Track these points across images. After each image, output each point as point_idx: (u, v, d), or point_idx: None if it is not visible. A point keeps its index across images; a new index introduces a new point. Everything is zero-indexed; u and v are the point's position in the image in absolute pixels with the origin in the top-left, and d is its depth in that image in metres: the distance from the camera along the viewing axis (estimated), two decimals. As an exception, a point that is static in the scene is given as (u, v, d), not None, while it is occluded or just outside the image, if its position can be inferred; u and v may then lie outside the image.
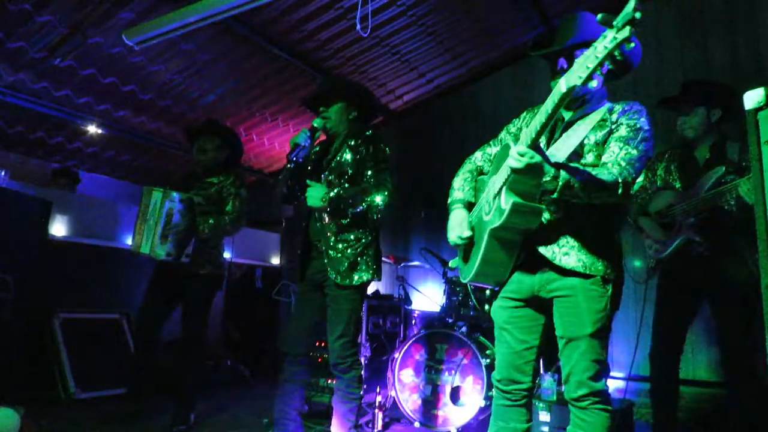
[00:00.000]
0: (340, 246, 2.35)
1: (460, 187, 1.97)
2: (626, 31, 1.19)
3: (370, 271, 2.39)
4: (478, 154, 2.03)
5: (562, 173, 1.49)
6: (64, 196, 4.23)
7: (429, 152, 5.30)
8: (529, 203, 1.55)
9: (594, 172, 1.54)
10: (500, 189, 1.60)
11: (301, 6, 3.68)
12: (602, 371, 1.64)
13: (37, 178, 4.42)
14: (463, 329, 3.24)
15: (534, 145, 1.46)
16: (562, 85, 1.33)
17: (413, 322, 3.91)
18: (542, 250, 1.68)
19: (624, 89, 4.13)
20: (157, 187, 3.00)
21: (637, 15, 1.17)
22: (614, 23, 1.20)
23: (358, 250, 2.36)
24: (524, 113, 1.95)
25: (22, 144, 4.41)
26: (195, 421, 3.05)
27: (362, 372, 2.45)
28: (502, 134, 1.98)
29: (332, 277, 2.32)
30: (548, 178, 1.50)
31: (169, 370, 3.22)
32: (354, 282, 2.34)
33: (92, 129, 4.36)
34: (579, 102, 1.72)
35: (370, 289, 4.59)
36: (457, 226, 1.85)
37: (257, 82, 4.45)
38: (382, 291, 4.85)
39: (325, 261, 2.35)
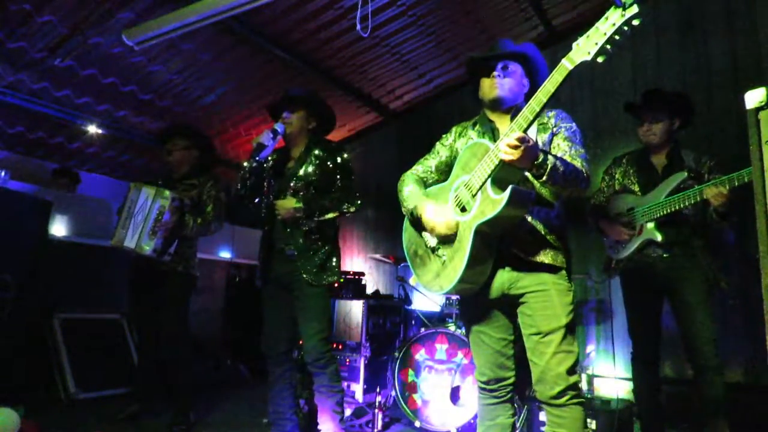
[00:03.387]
0: (311, 250, 2.46)
1: (413, 191, 1.96)
2: (635, 8, 1.34)
3: (336, 274, 2.53)
4: (418, 168, 2.08)
5: (550, 159, 1.56)
6: (64, 196, 4.23)
7: (429, 152, 5.29)
8: (524, 189, 1.61)
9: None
10: (482, 184, 1.64)
11: (301, 6, 3.68)
12: (576, 364, 1.69)
13: (37, 178, 4.41)
14: (463, 329, 3.24)
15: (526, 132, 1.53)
16: (567, 63, 1.44)
17: (413, 322, 3.91)
18: (512, 247, 1.73)
19: (624, 89, 4.14)
20: (146, 184, 3.02)
21: None
22: (623, 1, 1.35)
23: (326, 254, 2.51)
24: (454, 128, 2.05)
25: (22, 144, 4.41)
26: (195, 421, 3.06)
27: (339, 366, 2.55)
28: (437, 148, 2.06)
29: (305, 278, 2.42)
30: (537, 162, 1.55)
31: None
32: (324, 282, 2.46)
33: (92, 129, 4.35)
34: (513, 110, 1.82)
35: (370, 289, 4.59)
36: (439, 212, 1.77)
37: (257, 82, 4.45)
38: (382, 291, 4.85)
39: (298, 263, 2.44)
